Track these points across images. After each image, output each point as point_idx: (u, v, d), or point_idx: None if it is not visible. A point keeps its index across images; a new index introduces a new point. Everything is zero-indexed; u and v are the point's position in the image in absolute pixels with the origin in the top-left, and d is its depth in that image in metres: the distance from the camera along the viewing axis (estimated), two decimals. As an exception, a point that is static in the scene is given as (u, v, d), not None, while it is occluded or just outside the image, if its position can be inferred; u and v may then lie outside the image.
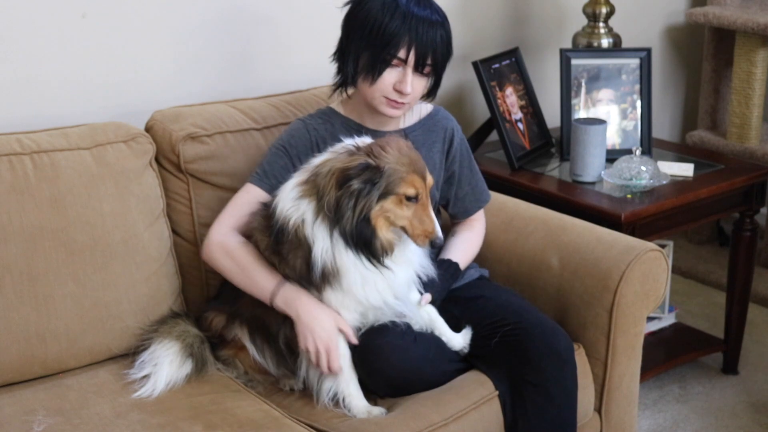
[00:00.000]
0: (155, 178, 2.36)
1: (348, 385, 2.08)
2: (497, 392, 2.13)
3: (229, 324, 2.21)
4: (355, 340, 2.06)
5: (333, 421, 2.05)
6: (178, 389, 2.12)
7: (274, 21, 2.83)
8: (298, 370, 2.15)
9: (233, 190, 2.35)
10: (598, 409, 2.37)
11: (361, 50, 2.17)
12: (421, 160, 2.04)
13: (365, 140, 2.06)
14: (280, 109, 2.55)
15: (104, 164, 2.25)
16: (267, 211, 2.10)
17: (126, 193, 2.27)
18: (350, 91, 2.30)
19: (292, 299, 2.06)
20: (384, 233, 1.98)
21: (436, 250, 2.24)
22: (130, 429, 1.97)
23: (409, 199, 1.98)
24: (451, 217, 2.45)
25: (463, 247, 2.37)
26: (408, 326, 2.10)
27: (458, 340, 2.17)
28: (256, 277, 2.11)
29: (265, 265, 2.11)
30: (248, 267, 2.12)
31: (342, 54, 2.24)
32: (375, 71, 2.15)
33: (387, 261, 2.00)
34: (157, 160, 2.39)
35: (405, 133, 2.16)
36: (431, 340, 2.14)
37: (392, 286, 2.05)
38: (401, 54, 2.13)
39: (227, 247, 2.16)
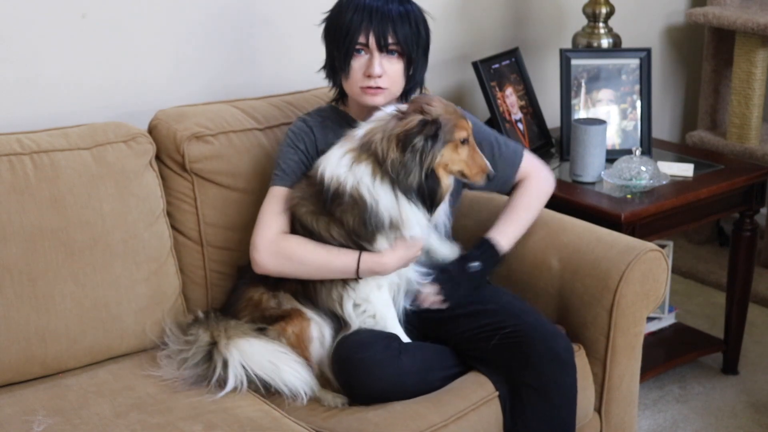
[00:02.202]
0: (155, 178, 2.36)
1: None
2: (497, 393, 2.13)
3: (276, 297, 2.23)
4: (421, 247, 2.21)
5: (331, 422, 2.05)
6: (177, 388, 2.12)
7: (274, 21, 2.83)
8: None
9: (238, 190, 2.39)
10: (598, 409, 2.37)
11: (333, 53, 2.26)
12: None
13: (401, 106, 2.16)
14: (281, 109, 2.56)
15: (104, 164, 2.26)
16: (310, 181, 2.18)
17: (126, 193, 2.27)
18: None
19: (374, 262, 2.15)
20: (445, 181, 2.13)
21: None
22: (129, 429, 1.97)
23: (462, 142, 2.12)
24: (499, 193, 2.49)
25: (508, 218, 2.37)
26: (394, 340, 2.13)
27: (446, 251, 2.31)
28: (334, 264, 2.16)
29: (335, 249, 2.16)
30: (322, 258, 2.16)
31: (326, 67, 2.32)
32: (344, 65, 2.22)
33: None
34: (160, 159, 2.39)
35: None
36: (420, 351, 2.16)
37: (429, 231, 2.21)
38: (361, 39, 2.20)
39: (286, 251, 2.18)
